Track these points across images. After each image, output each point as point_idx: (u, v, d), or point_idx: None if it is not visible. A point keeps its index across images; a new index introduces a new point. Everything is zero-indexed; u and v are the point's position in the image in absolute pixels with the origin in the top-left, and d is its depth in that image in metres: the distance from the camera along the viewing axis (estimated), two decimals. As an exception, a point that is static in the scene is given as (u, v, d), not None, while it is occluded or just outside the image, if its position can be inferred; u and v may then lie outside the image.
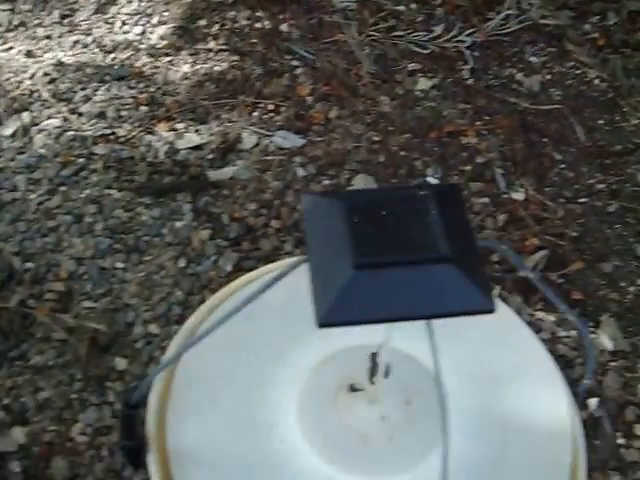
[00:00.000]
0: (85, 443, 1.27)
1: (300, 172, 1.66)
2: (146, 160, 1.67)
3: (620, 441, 1.33)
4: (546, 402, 0.99)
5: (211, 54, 1.89)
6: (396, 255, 0.67)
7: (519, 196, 1.65)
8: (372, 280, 0.66)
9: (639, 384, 1.39)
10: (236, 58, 1.88)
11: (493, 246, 0.97)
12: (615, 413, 1.35)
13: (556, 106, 1.83)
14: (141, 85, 1.82)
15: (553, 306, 1.48)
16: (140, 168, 1.65)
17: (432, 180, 1.64)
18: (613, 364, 1.42)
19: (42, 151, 1.67)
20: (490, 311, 0.67)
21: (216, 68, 1.85)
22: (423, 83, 1.86)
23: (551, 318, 1.46)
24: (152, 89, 1.81)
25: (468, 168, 1.70)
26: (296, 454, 0.91)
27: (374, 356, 0.89)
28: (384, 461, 0.91)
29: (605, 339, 1.45)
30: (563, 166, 1.73)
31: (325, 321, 0.66)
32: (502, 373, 1.01)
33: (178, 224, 1.56)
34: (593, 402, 1.36)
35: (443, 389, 0.73)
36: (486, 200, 1.63)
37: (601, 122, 1.82)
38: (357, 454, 0.91)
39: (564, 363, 1.41)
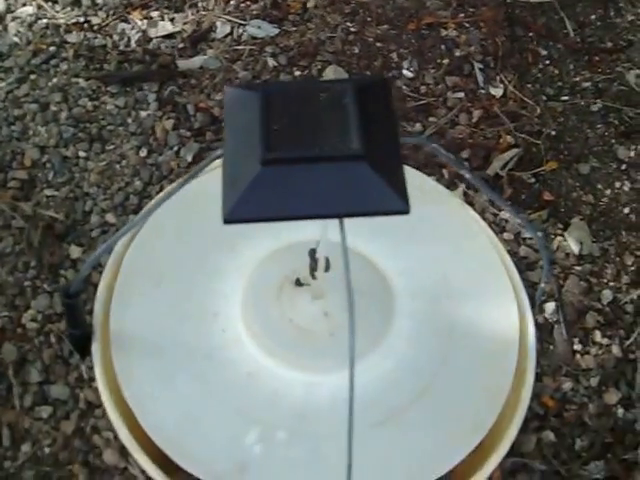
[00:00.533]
0: (35, 329, 1.26)
1: (271, 62, 1.60)
2: (118, 49, 1.62)
3: (576, 347, 1.29)
4: (496, 307, 0.96)
5: (193, -61, 1.82)
6: (306, 151, 0.64)
7: (497, 92, 1.58)
8: (280, 176, 0.63)
9: (604, 290, 1.35)
10: (217, -57, 1.80)
11: (422, 143, 0.93)
12: (574, 319, 1.31)
13: (546, -1, 1.75)
14: (119, -29, 1.76)
15: (518, 206, 1.44)
16: (111, 57, 1.60)
17: (407, 73, 1.59)
18: (578, 268, 1.37)
19: (15, 39, 1.63)
20: (404, 212, 0.64)
21: (193, -46, 1.79)
22: (409, -28, 1.78)
23: (516, 219, 1.41)
24: (130, -24, 1.76)
25: (445, 61, 1.63)
26: (237, 344, 0.90)
27: (313, 252, 0.86)
28: (323, 357, 0.90)
29: (572, 242, 1.40)
30: (548, 62, 1.65)
31: (230, 217, 0.63)
32: (455, 277, 0.98)
33: (143, 114, 1.52)
34: (550, 306, 1.32)
35: (352, 294, 0.70)
36: (461, 95, 1.57)
37: (593, 17, 1.73)
38: (297, 348, 0.90)
39: (525, 265, 1.36)
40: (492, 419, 0.89)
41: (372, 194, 0.64)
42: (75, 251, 1.34)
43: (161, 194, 0.85)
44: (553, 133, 1.54)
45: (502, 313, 0.96)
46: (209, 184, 0.74)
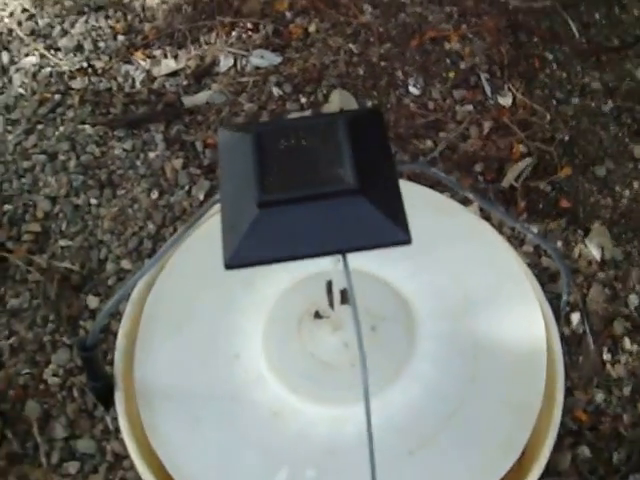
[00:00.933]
0: (57, 385, 1.25)
1: (276, 91, 1.58)
2: (123, 91, 1.61)
3: (606, 357, 1.26)
4: (521, 321, 0.93)
5: (189, -25, 1.81)
6: (301, 190, 0.63)
7: (506, 101, 1.55)
8: (278, 217, 0.62)
9: (630, 295, 1.32)
10: (214, -23, 1.79)
11: (420, 168, 0.91)
12: (601, 328, 1.28)
13: (548, 2, 1.71)
14: (119, 14, 1.74)
15: (536, 216, 1.41)
16: (116, 100, 1.59)
17: (413, 90, 1.56)
18: (601, 275, 1.34)
19: (20, 90, 1.62)
20: (405, 242, 0.63)
21: (194, -11, 1.78)
22: (409, -13, 1.76)
23: (534, 230, 1.39)
24: (130, 17, 1.74)
25: (451, 75, 1.60)
26: (260, 383, 0.88)
27: (329, 285, 0.85)
28: (346, 389, 0.87)
29: (593, 248, 1.37)
30: (555, 66, 1.62)
31: (231, 263, 0.62)
32: (476, 294, 0.95)
33: (151, 155, 1.50)
34: (576, 317, 1.29)
35: (360, 330, 0.68)
36: (470, 107, 1.54)
37: (598, 16, 1.70)
38: (320, 382, 0.87)
39: (548, 277, 1.33)
40: (524, 439, 0.86)
41: (371, 227, 0.63)
42: (93, 301, 1.33)
43: (171, 239, 0.84)
44: (566, 138, 1.51)
45: (527, 328, 0.93)
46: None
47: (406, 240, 0.63)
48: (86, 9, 1.76)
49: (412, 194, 0.74)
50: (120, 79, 1.63)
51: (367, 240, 0.63)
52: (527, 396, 0.88)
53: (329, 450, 0.85)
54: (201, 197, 1.44)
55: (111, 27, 1.72)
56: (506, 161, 1.46)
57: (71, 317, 1.32)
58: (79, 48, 1.69)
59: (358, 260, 0.75)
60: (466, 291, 0.96)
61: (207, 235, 0.86)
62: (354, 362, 0.87)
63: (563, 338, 0.94)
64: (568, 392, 1.04)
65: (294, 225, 0.62)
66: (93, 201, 1.46)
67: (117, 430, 1.18)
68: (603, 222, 1.41)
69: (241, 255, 0.62)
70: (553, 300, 0.97)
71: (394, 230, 0.63)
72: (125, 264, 1.37)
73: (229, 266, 0.62)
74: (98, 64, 1.66)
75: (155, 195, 1.45)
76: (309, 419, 0.86)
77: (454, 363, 0.91)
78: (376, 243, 0.63)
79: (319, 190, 0.63)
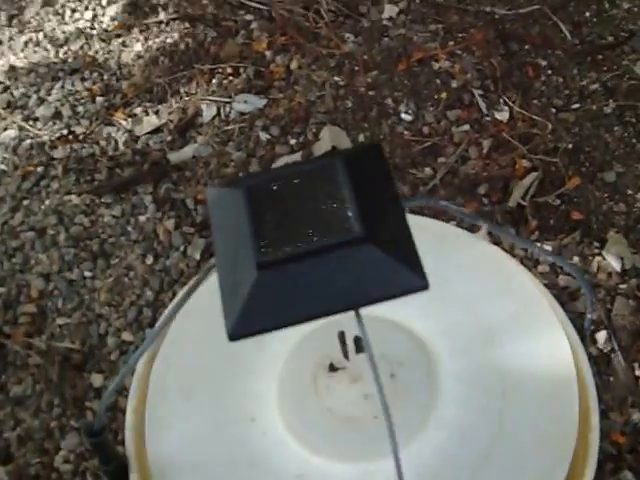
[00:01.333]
0: (70, 471, 1.20)
1: (263, 136, 1.53)
2: (107, 154, 1.56)
3: (638, 372, 1.19)
4: (546, 348, 0.87)
5: (162, 26, 1.75)
6: (303, 245, 0.57)
7: (503, 116, 1.49)
8: (280, 278, 0.57)
9: (657, 304, 1.26)
10: (187, 25, 1.74)
11: (427, 203, 0.86)
12: (629, 343, 1.21)
13: (536, 6, 1.66)
14: (95, 75, 1.70)
15: (551, 234, 1.35)
16: (101, 165, 1.54)
17: (405, 116, 1.52)
18: (623, 287, 1.27)
19: (2, 166, 1.58)
20: (422, 288, 0.57)
21: (168, 40, 1.72)
22: (389, 10, 1.70)
23: (548, 248, 1.33)
24: (106, 77, 1.69)
25: (443, 95, 1.54)
26: (280, 446, 0.82)
27: (342, 335, 0.80)
28: (371, 443, 0.80)
29: (612, 259, 1.31)
30: (550, 72, 1.56)
31: (235, 333, 0.56)
32: (495, 325, 0.89)
33: (142, 218, 1.45)
34: (602, 335, 1.23)
35: (381, 386, 0.64)
36: (467, 127, 1.48)
37: (588, 14, 1.64)
38: (343, 439, 0.81)
39: (567, 296, 1.27)
40: (563, 472, 0.80)
41: (384, 277, 0.57)
42: (97, 379, 1.28)
43: (169, 307, 0.79)
44: (570, 146, 1.45)
45: (553, 354, 0.87)
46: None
47: (423, 286, 0.57)
48: (61, 74, 1.72)
49: (415, 227, 0.69)
50: (102, 142, 1.59)
51: (381, 291, 0.57)
52: (561, 426, 0.82)
53: None
54: (197, 257, 1.38)
55: (88, 89, 1.68)
56: (510, 179, 1.40)
57: (76, 398, 1.27)
58: (57, 115, 1.65)
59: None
60: (484, 324, 0.89)
61: (207, 295, 0.82)
62: (376, 414, 0.81)
63: (591, 359, 0.88)
64: (603, 415, 0.98)
65: (299, 284, 0.57)
66: (87, 274, 1.41)
67: (136, 515, 1.13)
68: (618, 230, 1.34)
69: (245, 324, 0.57)
70: (576, 319, 0.92)
71: (409, 277, 0.57)
72: (126, 336, 1.31)
73: (233, 338, 0.57)
74: (79, 129, 1.62)
75: (150, 260, 1.40)
76: (336, 479, 0.80)
77: (481, 402, 0.85)
78: (391, 293, 0.58)
79: (322, 243, 0.57)
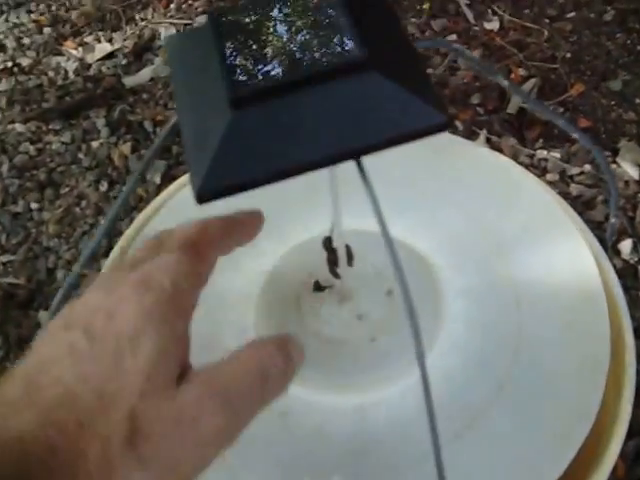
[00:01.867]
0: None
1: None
2: (55, 84, 1.36)
3: (670, 283, 1.01)
4: (565, 259, 0.68)
5: (114, -48, 1.57)
6: (288, 74, 0.41)
7: (493, 25, 1.30)
8: (260, 117, 0.40)
9: (683, 209, 1.08)
10: (143, -53, 1.55)
11: (440, 46, 0.67)
12: (657, 251, 1.04)
13: None
14: (42, 6, 1.50)
15: (557, 141, 1.17)
16: (49, 95, 1.34)
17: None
18: (643, 193, 1.10)
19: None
20: (443, 126, 0.41)
21: (123, -35, 1.53)
22: None
23: (556, 155, 1.14)
24: (54, 7, 1.49)
25: (426, 6, 1.35)
26: None
27: (328, 241, 0.60)
28: (369, 370, 0.61)
29: (628, 167, 1.12)
30: (542, -21, 1.38)
31: (204, 191, 0.40)
32: (506, 236, 0.70)
33: (94, 144, 1.24)
34: (626, 245, 1.05)
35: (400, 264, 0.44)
36: (454, 37, 1.29)
37: None
38: (333, 367, 0.62)
39: (581, 205, 1.08)
40: (597, 400, 0.61)
41: (393, 112, 0.41)
42: (45, 317, 1.06)
43: (120, 196, 0.60)
44: (568, 55, 1.27)
45: (574, 263, 0.68)
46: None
47: (443, 123, 0.40)
48: (5, 7, 1.52)
49: None
50: (51, 73, 1.38)
51: (388, 131, 0.40)
52: (591, 345, 0.63)
53: (357, 450, 0.59)
54: (157, 181, 1.17)
55: (35, 21, 1.47)
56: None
57: (21, 339, 1.06)
58: (1, 48, 1.45)
59: (356, 217, 0.55)
60: (492, 235, 0.70)
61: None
62: (374, 335, 0.63)
63: (616, 272, 0.70)
64: (635, 335, 0.79)
65: (285, 124, 0.40)
66: (34, 205, 1.19)
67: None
68: (630, 138, 1.16)
69: (217, 178, 0.40)
70: (594, 231, 0.73)
71: (425, 110, 0.40)
72: (77, 269, 1.11)
73: (202, 197, 0.40)
74: (24, 61, 1.41)
75: (104, 187, 1.19)
76: (327, 414, 0.61)
77: (493, 321, 0.66)
78: (401, 133, 0.40)
79: (314, 70, 0.41)
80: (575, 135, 0.70)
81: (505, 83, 0.65)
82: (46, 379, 0.37)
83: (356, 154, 0.40)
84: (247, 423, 0.42)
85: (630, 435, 0.80)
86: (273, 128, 0.40)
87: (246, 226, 0.50)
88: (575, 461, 0.57)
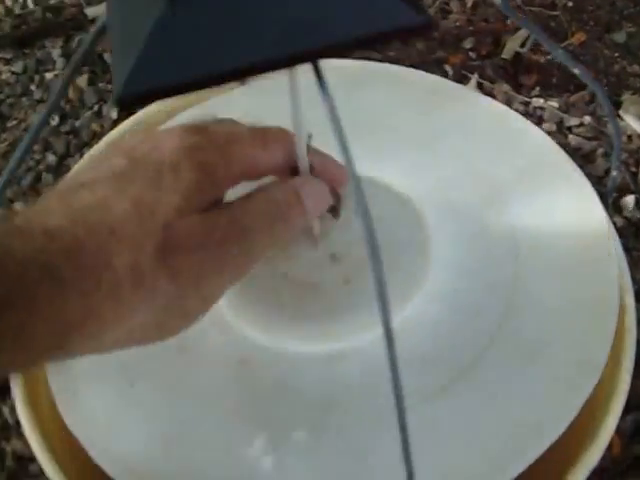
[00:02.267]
0: None
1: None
2: (12, 14, 1.23)
3: (675, 245, 0.90)
4: (566, 206, 0.61)
5: None
6: None
7: (486, -29, 1.20)
8: (197, 11, 0.33)
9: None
10: None
11: None
12: (661, 210, 0.92)
13: None
14: None
15: (555, 90, 1.05)
16: (4, 24, 1.21)
17: None
18: (647, 149, 0.98)
19: None
20: (423, 26, 0.33)
21: None
22: None
23: (554, 104, 1.02)
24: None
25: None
26: (217, 325, 0.56)
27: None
28: (340, 315, 0.55)
29: (631, 120, 1.01)
30: None
31: (125, 95, 0.32)
32: (502, 183, 0.63)
33: (48, 75, 1.11)
34: (628, 201, 0.94)
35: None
36: (447, -21, 1.18)
37: None
38: (302, 312, 0.55)
39: (581, 159, 0.97)
40: (603, 358, 0.53)
41: (359, 4, 0.33)
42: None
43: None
44: (570, 4, 1.15)
45: (577, 210, 0.61)
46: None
47: (424, 23, 0.33)
48: None
49: (402, 80, 0.64)
50: (8, 2, 1.25)
51: (352, 28, 0.33)
52: (596, 294, 0.57)
53: (323, 403, 0.53)
54: (114, 116, 1.05)
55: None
56: (501, 32, 1.09)
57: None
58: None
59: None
60: (488, 181, 0.64)
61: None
62: (347, 277, 0.55)
63: (616, 230, 0.60)
64: (636, 297, 0.69)
65: (224, 20, 0.33)
66: (-23, 139, 1.07)
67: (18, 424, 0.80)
68: (634, 91, 1.05)
69: (141, 81, 0.33)
70: (594, 185, 0.63)
71: (398, 5, 0.33)
72: (18, 207, 0.98)
73: (123, 103, 0.33)
74: (-23, -9, 1.28)
75: (55, 121, 1.06)
76: (291, 364, 0.55)
77: (487, 268, 0.60)
78: (368, 30, 0.33)
79: None
80: (575, 70, 0.61)
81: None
82: (83, 191, 0.37)
83: (312, 56, 0.32)
84: (258, 260, 0.44)
85: (628, 409, 0.70)
86: (210, 24, 0.33)
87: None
88: (566, 434, 0.49)
